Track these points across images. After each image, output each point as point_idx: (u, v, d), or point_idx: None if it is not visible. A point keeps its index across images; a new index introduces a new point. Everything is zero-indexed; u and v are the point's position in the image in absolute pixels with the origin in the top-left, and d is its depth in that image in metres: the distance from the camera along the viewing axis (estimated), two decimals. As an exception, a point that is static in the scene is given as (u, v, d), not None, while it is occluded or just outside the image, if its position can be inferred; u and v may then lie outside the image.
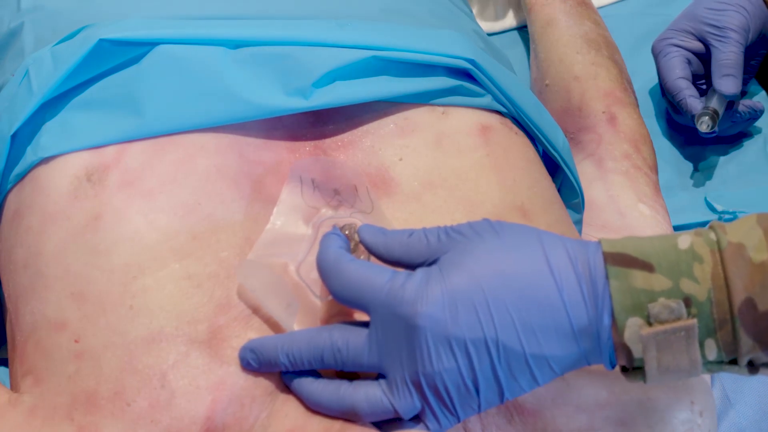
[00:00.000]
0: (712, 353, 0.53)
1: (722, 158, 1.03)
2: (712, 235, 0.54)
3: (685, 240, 0.54)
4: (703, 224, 0.97)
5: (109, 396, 0.59)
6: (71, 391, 0.60)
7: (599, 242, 0.55)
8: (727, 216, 0.96)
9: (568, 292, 0.54)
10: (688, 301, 0.53)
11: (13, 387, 0.65)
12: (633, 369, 0.55)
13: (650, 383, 0.55)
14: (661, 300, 0.53)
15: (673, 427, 0.63)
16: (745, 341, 0.52)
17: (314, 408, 0.58)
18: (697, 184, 1.01)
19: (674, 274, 0.53)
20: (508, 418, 0.63)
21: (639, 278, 0.53)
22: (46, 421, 0.60)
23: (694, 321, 0.52)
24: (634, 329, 0.53)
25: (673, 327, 0.53)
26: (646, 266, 0.53)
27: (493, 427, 0.62)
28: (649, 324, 0.53)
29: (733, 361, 0.54)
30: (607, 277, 0.54)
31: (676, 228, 0.94)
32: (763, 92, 1.11)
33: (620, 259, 0.54)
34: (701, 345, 0.53)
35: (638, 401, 0.63)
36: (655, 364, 0.53)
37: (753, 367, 0.54)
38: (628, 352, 0.54)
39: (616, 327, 0.54)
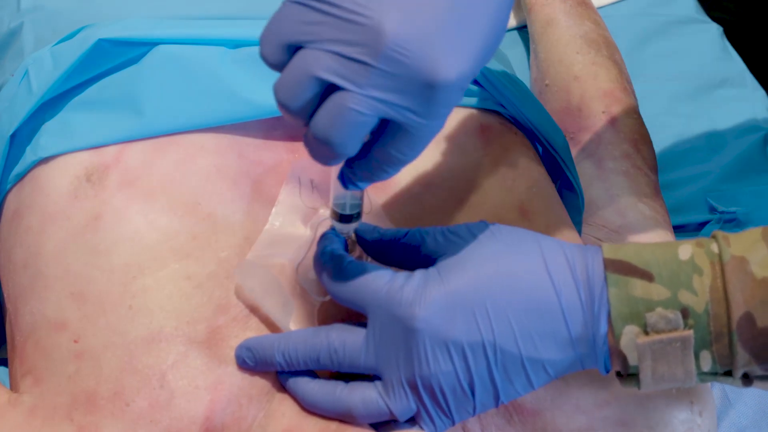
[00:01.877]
0: (707, 364, 0.53)
1: (722, 158, 1.03)
2: (714, 247, 0.54)
3: (685, 250, 0.54)
4: (702, 224, 0.97)
5: (109, 396, 0.59)
6: (71, 391, 0.60)
7: (599, 248, 0.55)
8: (727, 216, 0.96)
9: (565, 297, 0.54)
10: (685, 312, 0.53)
11: (13, 387, 0.65)
12: (627, 375, 0.55)
13: (644, 390, 0.55)
14: (659, 310, 0.53)
15: (673, 427, 0.63)
16: (742, 355, 0.52)
17: (310, 409, 0.58)
18: (697, 184, 1.01)
19: (673, 284, 0.53)
20: (508, 418, 0.63)
21: (638, 287, 0.53)
22: (46, 421, 0.60)
23: (691, 332, 0.53)
24: (630, 337, 0.53)
25: (669, 337, 0.53)
26: (646, 275, 0.53)
27: (492, 427, 0.62)
28: (646, 333, 0.53)
29: (728, 373, 0.54)
30: (606, 283, 0.54)
31: (676, 227, 0.94)
32: (763, 92, 1.11)
33: (620, 267, 0.54)
34: (696, 356, 0.53)
35: (638, 401, 0.63)
36: (650, 372, 0.54)
37: (747, 379, 0.54)
38: (623, 359, 0.54)
39: (613, 334, 0.54)
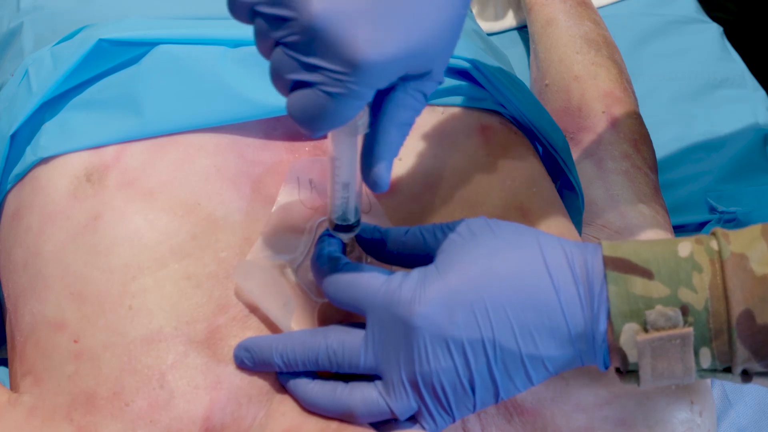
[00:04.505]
0: (706, 361, 0.54)
1: (722, 158, 1.03)
2: (714, 244, 0.54)
3: (685, 247, 0.54)
4: (702, 224, 0.97)
5: (109, 396, 0.59)
6: (71, 391, 0.60)
7: (599, 245, 0.56)
8: (727, 216, 0.96)
9: (564, 294, 0.54)
10: (685, 310, 0.53)
11: (13, 387, 0.65)
12: (627, 372, 0.55)
13: (644, 387, 0.55)
14: (659, 307, 0.53)
15: (673, 426, 0.63)
16: (742, 352, 0.52)
17: (310, 409, 0.58)
18: (697, 184, 1.01)
19: (673, 282, 0.53)
20: (508, 417, 0.63)
21: (638, 284, 0.53)
22: (46, 421, 0.60)
23: (690, 330, 0.53)
24: (630, 335, 0.53)
25: (669, 335, 0.53)
26: (646, 273, 0.54)
27: (492, 426, 0.62)
28: (646, 330, 0.53)
29: (727, 369, 0.54)
30: (605, 280, 0.54)
31: (676, 227, 0.94)
32: (763, 92, 1.11)
33: (620, 265, 0.54)
34: (696, 353, 0.53)
35: (637, 401, 0.63)
36: (650, 369, 0.54)
37: (747, 375, 0.54)
38: (623, 356, 0.54)
39: (613, 331, 0.54)
